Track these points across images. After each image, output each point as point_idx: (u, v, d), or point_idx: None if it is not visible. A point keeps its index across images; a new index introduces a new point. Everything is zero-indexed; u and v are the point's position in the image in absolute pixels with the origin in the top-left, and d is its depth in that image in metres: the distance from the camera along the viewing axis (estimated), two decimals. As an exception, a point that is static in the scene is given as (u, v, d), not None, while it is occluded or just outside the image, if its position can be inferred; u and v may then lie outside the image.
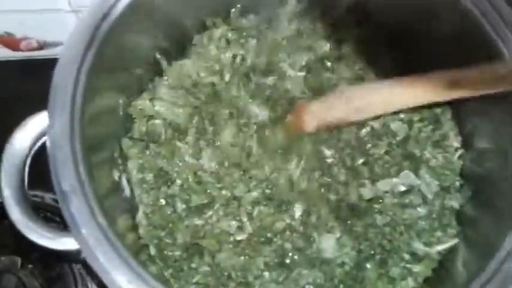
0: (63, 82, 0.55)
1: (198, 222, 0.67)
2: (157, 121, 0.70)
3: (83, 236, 0.50)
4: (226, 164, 0.69)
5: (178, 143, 0.70)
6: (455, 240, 0.64)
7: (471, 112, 0.68)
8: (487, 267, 0.53)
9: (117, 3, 0.59)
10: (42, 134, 0.55)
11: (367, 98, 0.67)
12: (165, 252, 0.66)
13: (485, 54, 0.61)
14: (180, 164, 0.69)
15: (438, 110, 0.70)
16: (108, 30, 0.58)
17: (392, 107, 0.68)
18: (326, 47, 0.75)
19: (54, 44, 0.92)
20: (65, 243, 0.52)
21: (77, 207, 0.51)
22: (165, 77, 0.73)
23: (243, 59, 0.74)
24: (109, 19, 0.59)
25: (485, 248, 0.56)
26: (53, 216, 0.79)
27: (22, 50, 0.93)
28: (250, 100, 0.72)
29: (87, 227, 0.50)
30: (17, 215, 0.53)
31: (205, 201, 0.67)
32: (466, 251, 0.62)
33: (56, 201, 0.76)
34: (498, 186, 0.61)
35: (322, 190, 0.68)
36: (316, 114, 0.70)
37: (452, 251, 0.64)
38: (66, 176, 0.52)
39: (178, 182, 0.68)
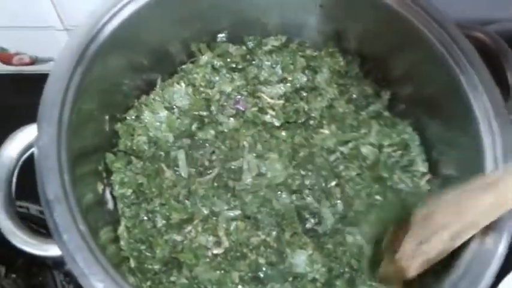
0: (52, 97, 0.57)
1: (177, 237, 0.68)
2: (141, 138, 0.72)
3: (64, 242, 0.51)
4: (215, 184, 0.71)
5: (164, 167, 0.71)
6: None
7: (438, 140, 0.70)
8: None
9: (104, 28, 0.61)
10: (30, 146, 0.56)
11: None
12: (145, 265, 0.66)
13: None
14: (163, 185, 0.70)
15: (407, 136, 0.72)
16: (95, 51, 0.60)
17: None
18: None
19: (45, 60, 0.92)
20: (48, 249, 0.54)
21: (59, 215, 0.52)
22: (152, 96, 0.74)
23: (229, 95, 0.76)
24: (97, 41, 0.61)
25: (442, 270, 0.57)
26: (37, 227, 0.78)
27: (14, 64, 0.94)
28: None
29: (68, 234, 0.51)
30: (3, 221, 0.55)
31: (185, 217, 0.68)
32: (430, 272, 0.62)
33: (41, 212, 0.77)
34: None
35: (298, 211, 0.70)
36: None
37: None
38: (51, 184, 0.53)
39: (158, 201, 0.69)
